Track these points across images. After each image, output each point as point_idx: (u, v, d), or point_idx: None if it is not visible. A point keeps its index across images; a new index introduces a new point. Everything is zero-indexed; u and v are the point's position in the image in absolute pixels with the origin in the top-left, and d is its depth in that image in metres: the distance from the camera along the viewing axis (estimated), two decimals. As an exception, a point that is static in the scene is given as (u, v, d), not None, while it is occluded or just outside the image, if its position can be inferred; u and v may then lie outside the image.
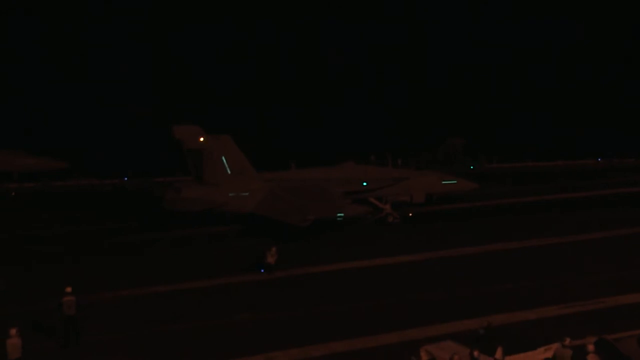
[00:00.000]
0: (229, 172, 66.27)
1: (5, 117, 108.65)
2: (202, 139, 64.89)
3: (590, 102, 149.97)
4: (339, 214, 65.50)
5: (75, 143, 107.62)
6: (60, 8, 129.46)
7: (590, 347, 29.49)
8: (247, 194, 66.54)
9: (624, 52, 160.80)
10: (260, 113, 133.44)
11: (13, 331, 31.87)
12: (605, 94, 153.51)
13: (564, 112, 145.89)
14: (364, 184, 70.59)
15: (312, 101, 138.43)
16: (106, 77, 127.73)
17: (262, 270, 51.11)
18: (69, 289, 37.08)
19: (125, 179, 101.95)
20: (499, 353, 30.68)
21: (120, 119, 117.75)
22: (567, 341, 30.00)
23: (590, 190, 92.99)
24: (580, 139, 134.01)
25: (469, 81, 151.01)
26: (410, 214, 72.79)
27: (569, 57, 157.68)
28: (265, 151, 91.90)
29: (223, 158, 66.13)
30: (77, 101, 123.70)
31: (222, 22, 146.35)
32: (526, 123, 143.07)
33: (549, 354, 31.21)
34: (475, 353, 29.46)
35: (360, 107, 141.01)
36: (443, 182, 75.10)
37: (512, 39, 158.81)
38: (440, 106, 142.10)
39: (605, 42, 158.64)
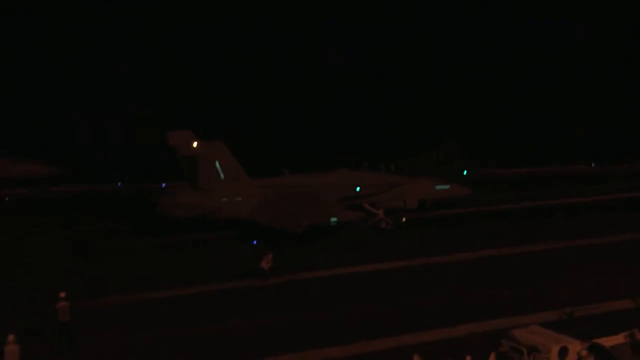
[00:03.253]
0: (222, 177, 66.30)
1: (4, 118, 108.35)
2: (195, 145, 64.92)
3: (590, 102, 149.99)
4: (332, 220, 65.59)
5: (74, 144, 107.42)
6: (61, 8, 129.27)
7: (584, 353, 29.65)
8: (240, 199, 66.57)
9: (624, 52, 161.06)
10: (260, 113, 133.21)
11: (11, 337, 31.89)
12: (605, 93, 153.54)
13: (564, 112, 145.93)
14: (358, 189, 70.69)
15: (312, 101, 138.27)
16: (106, 77, 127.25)
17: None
18: (62, 294, 37.05)
19: (119, 184, 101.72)
20: (491, 359, 30.77)
21: (119, 119, 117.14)
22: None
23: (587, 195, 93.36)
24: (580, 139, 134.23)
25: (469, 81, 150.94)
26: (404, 220, 72.88)
27: (569, 57, 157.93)
28: (265, 151, 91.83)
29: (217, 164, 66.16)
30: (76, 101, 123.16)
31: (222, 22, 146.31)
32: (526, 123, 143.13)
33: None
34: (468, 358, 29.63)
35: (360, 107, 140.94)
36: (436, 188, 75.33)
37: (512, 39, 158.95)
38: (440, 106, 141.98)
39: (605, 42, 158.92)
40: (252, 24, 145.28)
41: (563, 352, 29.75)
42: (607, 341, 31.50)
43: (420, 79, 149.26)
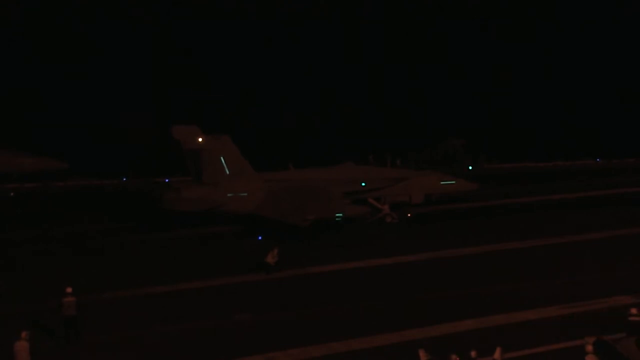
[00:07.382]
0: (227, 172, 66.35)
1: (4, 117, 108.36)
2: (200, 140, 64.96)
3: (590, 101, 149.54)
4: (337, 214, 65.64)
5: (74, 143, 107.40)
6: (66, 4, 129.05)
7: (589, 348, 29.56)
8: (245, 194, 66.66)
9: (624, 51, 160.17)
10: (260, 113, 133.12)
11: (24, 334, 31.99)
12: (605, 93, 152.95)
13: (564, 112, 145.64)
14: (363, 184, 70.66)
15: (312, 100, 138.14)
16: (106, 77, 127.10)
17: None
18: (69, 289, 37.16)
19: (124, 179, 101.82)
20: (497, 353, 30.73)
21: (119, 118, 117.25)
22: None
23: (589, 190, 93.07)
24: (580, 139, 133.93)
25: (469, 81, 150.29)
26: (409, 215, 72.84)
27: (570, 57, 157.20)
28: (265, 151, 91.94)
29: (222, 158, 66.20)
30: (76, 101, 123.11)
31: (232, 18, 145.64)
32: (526, 123, 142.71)
33: None
34: (473, 354, 29.57)
35: (360, 107, 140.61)
36: (442, 183, 75.19)
37: (515, 32, 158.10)
38: (440, 106, 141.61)
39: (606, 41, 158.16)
40: (260, 20, 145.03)
41: None
42: None
43: (423, 74, 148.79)
